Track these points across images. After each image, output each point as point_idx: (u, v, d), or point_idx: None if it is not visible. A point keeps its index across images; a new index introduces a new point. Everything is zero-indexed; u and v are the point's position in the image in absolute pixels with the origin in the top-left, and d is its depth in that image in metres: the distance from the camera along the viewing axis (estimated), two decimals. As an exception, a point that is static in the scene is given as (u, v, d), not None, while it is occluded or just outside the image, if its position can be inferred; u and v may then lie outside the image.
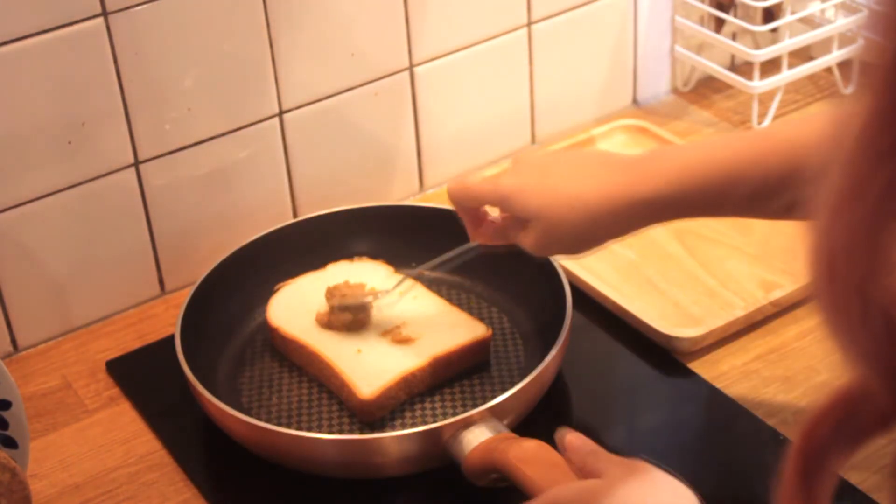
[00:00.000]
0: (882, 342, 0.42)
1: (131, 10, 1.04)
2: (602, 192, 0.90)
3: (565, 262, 1.10)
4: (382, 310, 1.05)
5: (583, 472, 0.80)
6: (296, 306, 1.06)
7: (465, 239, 1.00)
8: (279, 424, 0.98)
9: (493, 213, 0.98)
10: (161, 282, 1.16)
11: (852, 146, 0.41)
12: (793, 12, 1.31)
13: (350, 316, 1.03)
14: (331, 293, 1.04)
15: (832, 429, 0.48)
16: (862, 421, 0.47)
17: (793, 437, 0.50)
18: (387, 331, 1.03)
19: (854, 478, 0.88)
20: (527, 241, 0.93)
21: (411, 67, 1.22)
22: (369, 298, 1.04)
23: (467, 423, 0.90)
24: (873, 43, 0.41)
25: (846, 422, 0.47)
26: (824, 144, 0.43)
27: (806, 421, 0.49)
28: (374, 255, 1.12)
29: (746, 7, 1.32)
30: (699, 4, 1.34)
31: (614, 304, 1.08)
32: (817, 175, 0.43)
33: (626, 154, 0.96)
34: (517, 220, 0.93)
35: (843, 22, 1.33)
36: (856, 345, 0.43)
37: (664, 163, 0.90)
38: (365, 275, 1.08)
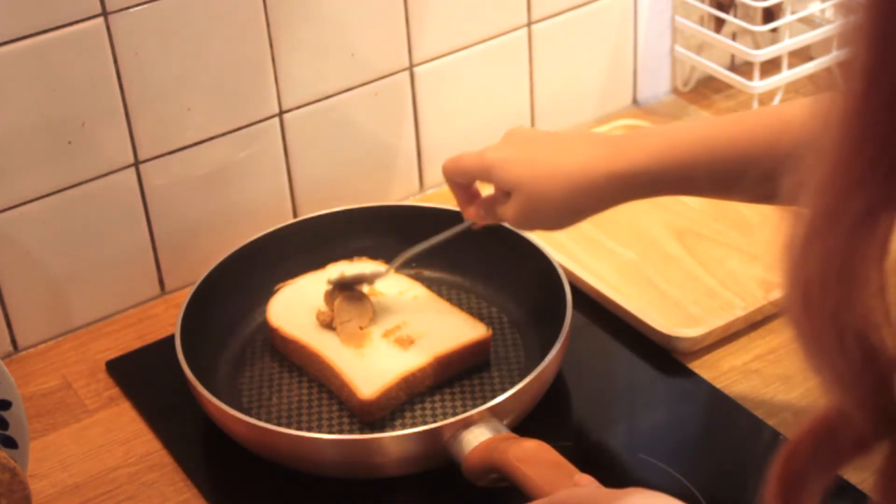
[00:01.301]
0: (858, 369, 0.43)
1: (131, 10, 1.04)
2: (582, 165, 0.91)
3: (565, 263, 1.10)
4: (383, 312, 1.05)
5: None
6: (296, 306, 1.06)
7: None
8: (279, 424, 0.98)
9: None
10: (161, 282, 1.16)
11: (824, 176, 0.41)
12: (793, 12, 1.31)
13: (356, 325, 1.03)
14: (329, 294, 1.04)
15: (810, 453, 0.48)
16: (840, 445, 0.47)
17: (771, 463, 0.49)
18: (387, 331, 1.03)
19: (854, 478, 0.88)
20: (508, 213, 0.94)
21: (411, 67, 1.22)
22: (368, 271, 1.05)
23: (467, 423, 0.90)
24: (844, 66, 0.40)
25: (824, 446, 0.47)
26: (798, 168, 0.43)
27: (785, 446, 0.49)
28: (373, 256, 1.12)
29: (746, 7, 1.32)
30: (699, 4, 1.34)
31: (614, 304, 1.08)
32: (791, 199, 0.43)
33: (618, 134, 0.97)
34: (502, 193, 0.95)
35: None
36: (832, 371, 0.43)
37: (647, 139, 0.91)
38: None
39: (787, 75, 1.32)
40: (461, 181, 0.99)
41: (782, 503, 0.48)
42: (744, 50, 1.31)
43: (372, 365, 1.00)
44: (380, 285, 1.08)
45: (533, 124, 1.33)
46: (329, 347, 1.02)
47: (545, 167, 0.92)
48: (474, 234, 1.01)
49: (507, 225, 0.99)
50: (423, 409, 0.99)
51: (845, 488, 0.87)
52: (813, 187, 0.42)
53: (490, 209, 0.98)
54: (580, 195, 0.92)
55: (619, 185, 0.91)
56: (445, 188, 1.27)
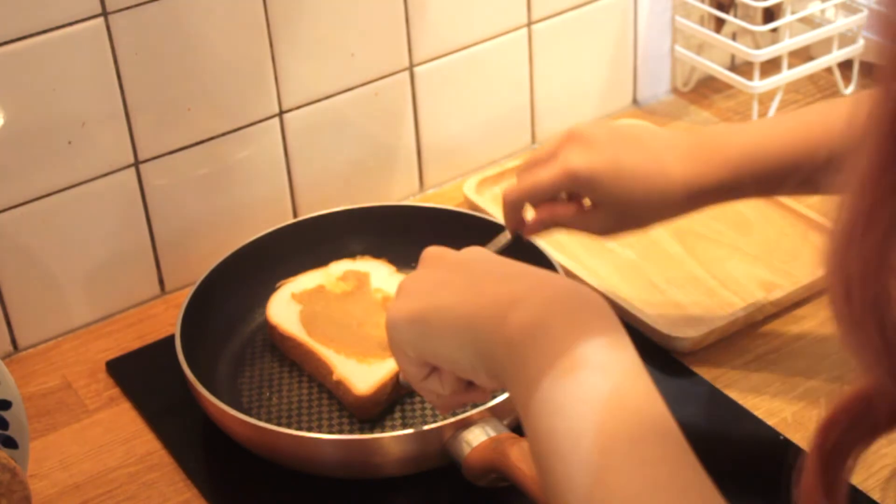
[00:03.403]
0: None
1: (131, 10, 1.04)
2: (676, 178, 0.91)
3: (565, 263, 1.10)
4: (381, 310, 1.05)
5: None
6: (295, 304, 1.06)
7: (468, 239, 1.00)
8: (279, 424, 0.98)
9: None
10: (161, 282, 1.16)
11: (862, 178, 0.44)
12: (793, 12, 1.31)
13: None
14: None
15: (848, 425, 0.50)
16: (876, 418, 0.49)
17: (811, 435, 0.52)
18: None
19: (854, 478, 0.88)
20: (596, 222, 0.93)
21: (411, 67, 1.22)
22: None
23: (467, 423, 0.90)
24: (880, 84, 0.43)
25: (861, 419, 0.50)
26: (841, 167, 0.45)
27: (823, 419, 0.51)
28: (374, 256, 1.12)
29: (746, 7, 1.32)
30: (699, 4, 1.34)
31: (614, 304, 1.08)
32: (832, 193, 0.45)
33: (683, 135, 0.96)
34: (577, 201, 0.93)
35: (843, 22, 1.33)
36: (872, 353, 0.45)
37: (736, 147, 0.92)
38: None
39: (787, 75, 1.32)
40: (537, 200, 0.94)
41: (822, 471, 0.51)
42: (744, 50, 1.31)
43: (367, 361, 1.00)
44: (381, 284, 1.08)
45: (533, 124, 1.33)
46: (325, 344, 1.02)
47: (641, 180, 0.91)
48: (474, 234, 1.01)
49: (587, 233, 0.96)
50: (423, 408, 0.99)
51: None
52: (852, 188, 0.44)
53: (551, 220, 0.95)
54: (671, 208, 0.93)
55: (711, 197, 0.93)
56: (445, 188, 1.28)
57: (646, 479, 0.59)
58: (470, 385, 0.76)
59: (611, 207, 0.91)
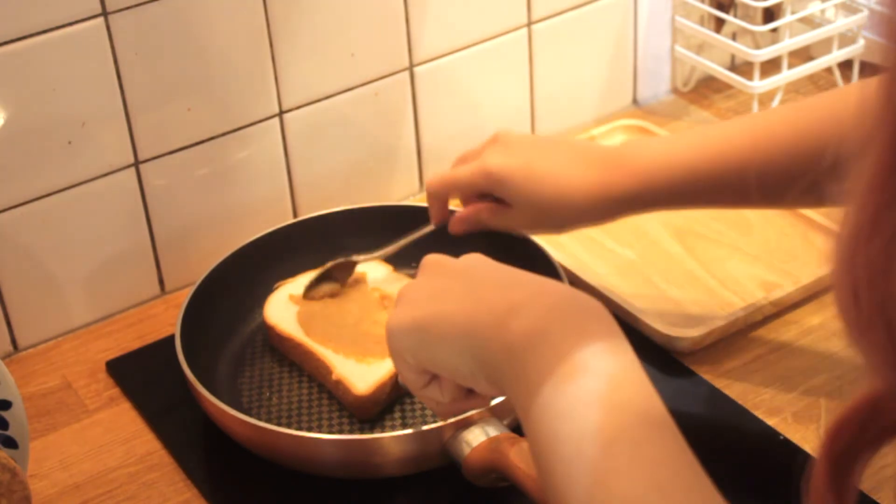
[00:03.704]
0: None
1: (131, 10, 1.04)
2: (581, 185, 0.94)
3: (565, 262, 1.10)
4: (381, 310, 1.05)
5: None
6: (293, 304, 1.06)
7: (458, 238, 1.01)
8: (279, 424, 0.98)
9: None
10: (161, 282, 1.16)
11: (865, 186, 0.44)
12: (793, 12, 1.31)
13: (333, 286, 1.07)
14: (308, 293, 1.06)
15: (856, 430, 0.50)
16: (884, 422, 0.49)
17: (820, 439, 0.52)
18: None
19: (854, 478, 0.88)
20: (514, 221, 0.97)
21: (411, 67, 1.22)
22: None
23: (467, 423, 0.90)
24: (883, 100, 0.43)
25: (870, 423, 0.50)
26: (844, 177, 0.45)
27: (832, 423, 0.51)
28: (374, 255, 1.12)
29: (746, 7, 1.32)
30: (699, 4, 1.34)
31: (614, 304, 1.08)
32: (837, 202, 0.46)
33: (601, 147, 1.00)
34: (494, 201, 0.98)
35: (843, 22, 1.33)
36: (882, 358, 0.45)
37: (644, 160, 0.95)
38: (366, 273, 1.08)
39: (787, 75, 1.32)
40: (454, 196, 1.01)
41: (831, 477, 0.51)
42: (744, 50, 1.31)
43: (366, 361, 1.00)
44: (381, 284, 1.08)
45: (533, 124, 1.33)
46: (323, 344, 1.02)
47: (554, 186, 0.94)
48: (473, 235, 1.01)
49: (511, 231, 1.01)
50: (423, 408, 0.99)
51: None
52: (857, 193, 0.44)
53: (475, 219, 1.00)
54: (586, 214, 0.96)
55: (626, 206, 0.95)
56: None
57: (648, 481, 0.59)
58: (470, 392, 0.77)
59: (524, 207, 0.96)
